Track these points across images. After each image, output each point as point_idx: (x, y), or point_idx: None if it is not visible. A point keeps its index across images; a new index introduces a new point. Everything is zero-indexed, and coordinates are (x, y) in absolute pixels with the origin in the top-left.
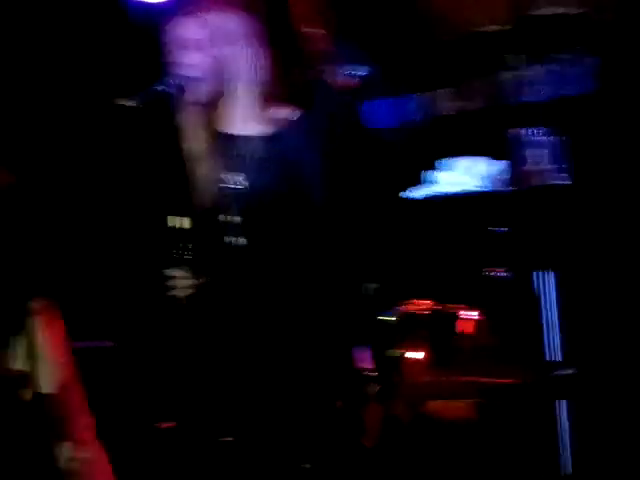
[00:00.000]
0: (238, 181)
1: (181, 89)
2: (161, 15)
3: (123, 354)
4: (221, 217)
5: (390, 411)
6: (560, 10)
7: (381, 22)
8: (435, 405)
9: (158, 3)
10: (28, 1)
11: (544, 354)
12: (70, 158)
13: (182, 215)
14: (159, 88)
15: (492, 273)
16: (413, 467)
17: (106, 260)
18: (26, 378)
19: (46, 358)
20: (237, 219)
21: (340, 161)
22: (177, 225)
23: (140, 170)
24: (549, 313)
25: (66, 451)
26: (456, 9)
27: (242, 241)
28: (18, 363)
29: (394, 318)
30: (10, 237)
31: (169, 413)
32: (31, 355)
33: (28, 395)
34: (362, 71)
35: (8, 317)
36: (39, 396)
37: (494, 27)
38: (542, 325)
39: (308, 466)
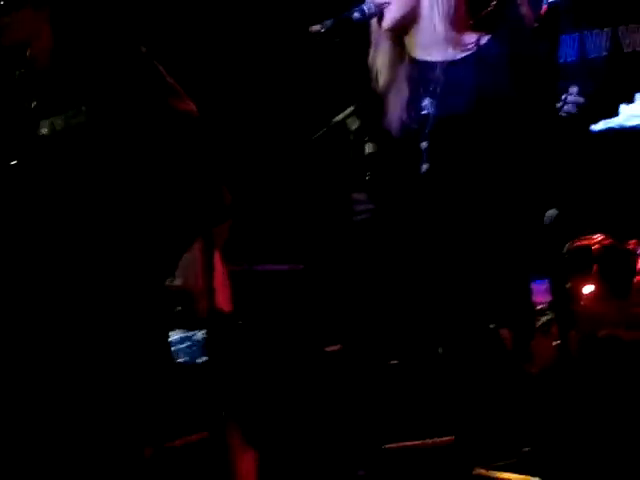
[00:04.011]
0: (427, 106)
1: (375, 15)
2: None
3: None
4: (409, 143)
5: (561, 343)
6: None
7: None
8: (608, 336)
9: None
10: None
11: None
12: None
13: (370, 140)
14: (353, 14)
15: None
16: (579, 396)
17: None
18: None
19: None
20: (424, 145)
21: (525, 89)
22: (366, 150)
23: (328, 95)
24: None
25: None
26: None
27: (427, 167)
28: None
29: (569, 251)
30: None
31: (338, 336)
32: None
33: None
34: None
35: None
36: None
37: None
38: None
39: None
